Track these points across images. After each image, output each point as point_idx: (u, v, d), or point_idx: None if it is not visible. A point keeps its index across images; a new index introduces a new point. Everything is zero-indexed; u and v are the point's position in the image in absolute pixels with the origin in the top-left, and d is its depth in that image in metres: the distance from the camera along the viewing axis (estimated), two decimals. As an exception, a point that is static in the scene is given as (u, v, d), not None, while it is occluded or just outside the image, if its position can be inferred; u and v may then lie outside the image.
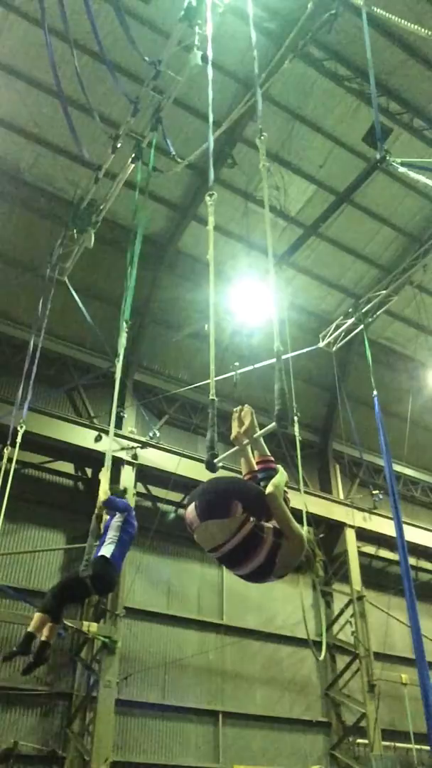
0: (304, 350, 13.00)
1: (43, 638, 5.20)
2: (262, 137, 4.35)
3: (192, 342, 13.55)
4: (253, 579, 3.26)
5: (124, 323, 7.42)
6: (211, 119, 5.82)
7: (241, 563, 3.15)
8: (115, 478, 11.36)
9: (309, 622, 12.48)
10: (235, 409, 3.59)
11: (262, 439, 3.52)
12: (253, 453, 3.64)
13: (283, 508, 3.11)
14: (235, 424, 3.54)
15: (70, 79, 8.73)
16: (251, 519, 3.08)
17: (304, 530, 3.40)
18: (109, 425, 9.08)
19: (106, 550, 5.41)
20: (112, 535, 5.56)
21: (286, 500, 3.23)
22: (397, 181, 12.90)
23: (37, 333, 9.93)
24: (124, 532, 5.60)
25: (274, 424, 3.04)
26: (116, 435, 12.01)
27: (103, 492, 5.98)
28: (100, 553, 5.40)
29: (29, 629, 5.18)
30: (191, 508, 3.10)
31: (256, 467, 3.56)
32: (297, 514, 11.31)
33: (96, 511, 5.88)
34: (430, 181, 7.73)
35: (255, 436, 3.45)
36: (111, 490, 6.13)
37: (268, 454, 3.57)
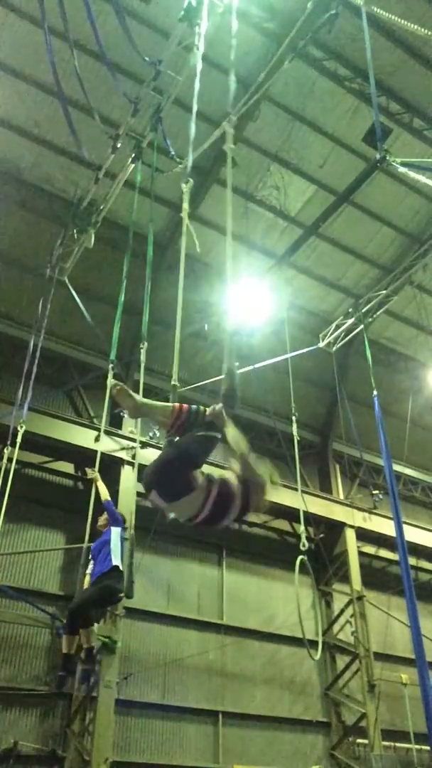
0: (304, 350, 13.00)
1: (65, 651, 5.51)
2: (230, 120, 4.36)
3: (192, 342, 13.54)
4: (231, 522, 3.44)
5: (144, 342, 7.29)
6: (195, 108, 5.83)
7: (222, 519, 3.32)
8: (115, 478, 11.36)
9: (309, 622, 12.48)
10: (110, 388, 3.63)
11: (153, 403, 3.56)
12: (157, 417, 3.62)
13: (232, 429, 3.22)
14: (121, 403, 3.51)
15: (70, 79, 8.73)
16: (214, 481, 3.23)
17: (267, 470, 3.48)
18: (109, 425, 9.09)
19: (117, 560, 5.72)
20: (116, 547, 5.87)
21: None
22: (397, 181, 12.90)
23: (37, 333, 9.94)
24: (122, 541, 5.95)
25: (220, 404, 3.17)
26: (116, 435, 12.02)
27: (104, 492, 6.21)
28: (114, 563, 5.70)
29: (66, 651, 5.54)
30: (154, 495, 3.21)
31: (176, 423, 3.46)
32: (295, 513, 11.17)
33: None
34: (430, 181, 7.72)
35: (139, 405, 3.43)
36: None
37: (169, 407, 3.48)
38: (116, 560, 5.79)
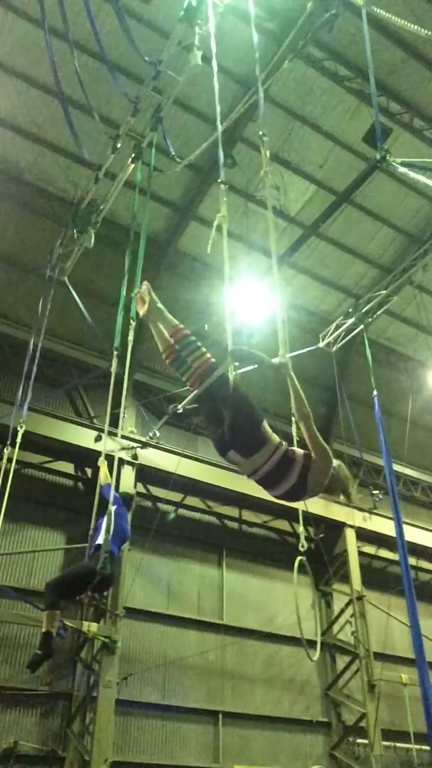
0: (304, 350, 12.99)
1: (44, 629, 5.29)
2: (264, 139, 4.35)
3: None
4: (287, 498, 3.65)
5: (131, 320, 7.23)
6: (218, 108, 5.78)
7: (276, 483, 3.53)
8: (115, 478, 11.37)
9: (309, 622, 12.49)
10: (134, 292, 4.08)
11: (164, 312, 3.86)
12: (163, 326, 3.92)
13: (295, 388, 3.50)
14: (138, 305, 3.94)
15: (70, 79, 8.70)
16: (283, 444, 3.52)
17: (336, 463, 3.68)
18: (108, 425, 9.07)
19: (101, 540, 5.58)
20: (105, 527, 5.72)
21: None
22: (397, 181, 12.90)
23: (37, 333, 9.92)
24: (116, 523, 5.77)
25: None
26: (116, 435, 12.01)
27: (104, 476, 6.22)
28: (98, 543, 5.57)
29: (45, 629, 5.28)
30: (233, 455, 3.46)
31: (171, 340, 3.80)
32: (294, 512, 11.15)
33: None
34: (430, 181, 7.70)
35: (154, 307, 3.82)
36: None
37: (176, 323, 3.83)
38: (101, 540, 5.62)
